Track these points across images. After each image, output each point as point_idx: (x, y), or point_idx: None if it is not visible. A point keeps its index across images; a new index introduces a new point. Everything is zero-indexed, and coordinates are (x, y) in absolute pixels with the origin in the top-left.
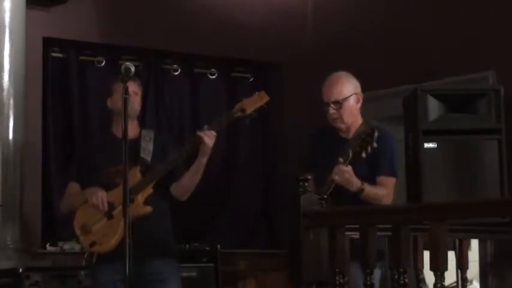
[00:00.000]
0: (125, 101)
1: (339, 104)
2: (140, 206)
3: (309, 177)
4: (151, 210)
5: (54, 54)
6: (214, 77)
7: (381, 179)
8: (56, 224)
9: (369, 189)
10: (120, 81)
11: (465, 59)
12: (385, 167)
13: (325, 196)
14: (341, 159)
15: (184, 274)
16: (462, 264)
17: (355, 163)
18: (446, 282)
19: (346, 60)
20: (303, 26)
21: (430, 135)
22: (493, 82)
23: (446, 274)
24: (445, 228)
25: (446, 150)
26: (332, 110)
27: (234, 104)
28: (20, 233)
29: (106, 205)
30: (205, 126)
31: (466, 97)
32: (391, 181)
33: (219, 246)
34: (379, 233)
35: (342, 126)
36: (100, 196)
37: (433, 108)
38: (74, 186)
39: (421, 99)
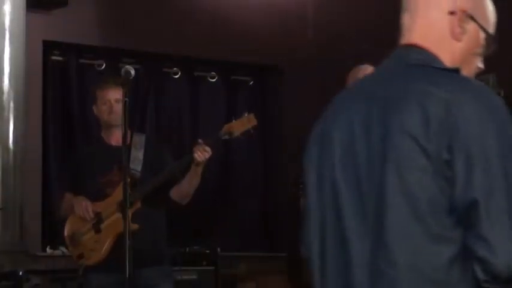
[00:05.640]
0: (124, 104)
1: None
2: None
3: None
4: (137, 227)
5: (54, 58)
6: (214, 80)
7: None
8: (56, 227)
9: None
10: (100, 87)
11: None
12: None
13: None
14: None
15: (184, 277)
16: None
17: None
18: None
19: (347, 64)
20: (303, 29)
21: None
22: (492, 85)
23: None
24: None
25: None
26: None
27: (234, 107)
28: (20, 235)
29: (92, 214)
30: (200, 140)
31: None
32: None
33: (218, 249)
34: None
35: None
36: (84, 206)
37: None
38: (67, 197)
39: None
